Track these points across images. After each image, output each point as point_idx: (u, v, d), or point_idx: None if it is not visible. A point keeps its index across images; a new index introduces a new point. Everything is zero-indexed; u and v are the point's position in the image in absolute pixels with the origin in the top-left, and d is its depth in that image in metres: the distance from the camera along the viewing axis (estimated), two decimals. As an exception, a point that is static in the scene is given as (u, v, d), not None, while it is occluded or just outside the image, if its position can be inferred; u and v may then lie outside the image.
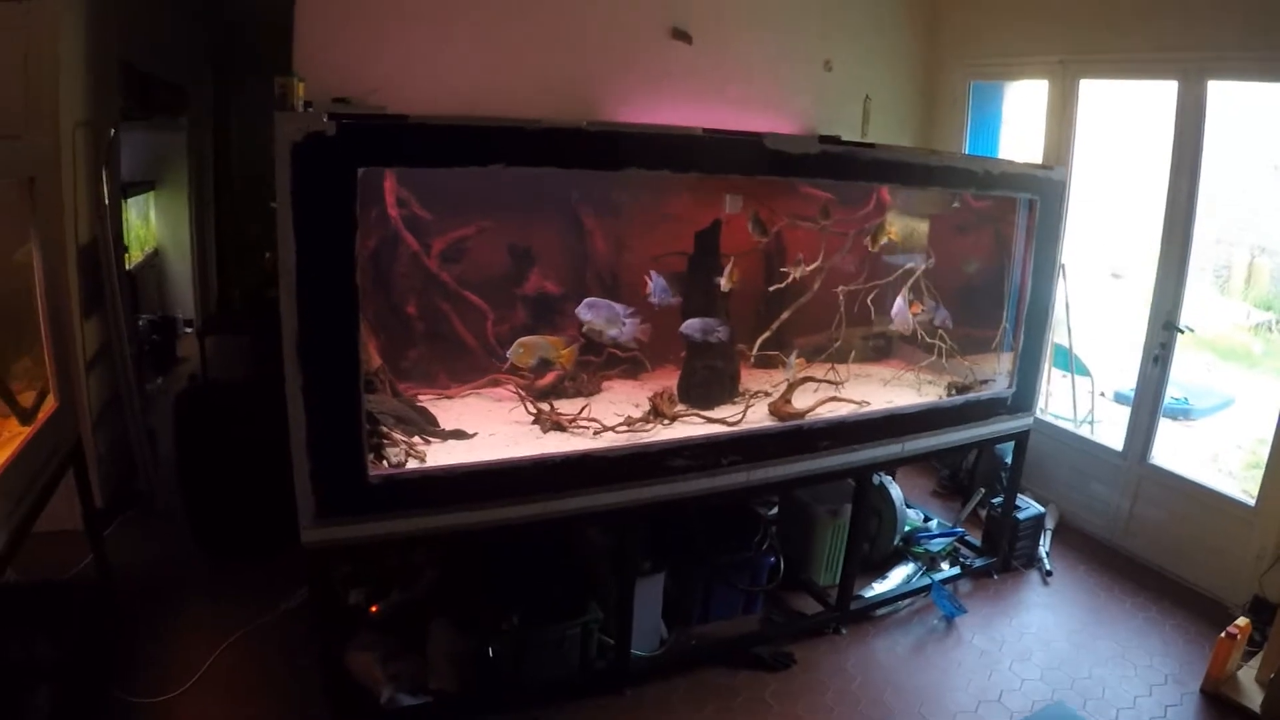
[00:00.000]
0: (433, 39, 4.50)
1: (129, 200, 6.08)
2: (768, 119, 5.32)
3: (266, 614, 3.94)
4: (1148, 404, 4.92)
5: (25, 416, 3.10)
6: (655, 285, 3.60)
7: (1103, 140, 5.45)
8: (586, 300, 3.52)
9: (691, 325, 3.76)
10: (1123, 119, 5.47)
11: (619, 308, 3.52)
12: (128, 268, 5.54)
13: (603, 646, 3.61)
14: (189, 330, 7.38)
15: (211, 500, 4.31)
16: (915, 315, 4.28)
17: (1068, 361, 5.77)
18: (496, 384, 3.76)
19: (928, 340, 4.40)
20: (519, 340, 3.43)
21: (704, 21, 5.13)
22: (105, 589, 3.89)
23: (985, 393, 4.35)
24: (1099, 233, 5.74)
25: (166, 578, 4.26)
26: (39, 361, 3.36)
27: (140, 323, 5.86)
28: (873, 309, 4.37)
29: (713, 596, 4.01)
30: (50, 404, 3.30)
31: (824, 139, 3.49)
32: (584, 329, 3.51)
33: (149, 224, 7.69)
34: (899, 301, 4.24)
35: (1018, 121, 5.88)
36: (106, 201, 4.64)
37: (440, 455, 3.17)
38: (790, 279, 4.03)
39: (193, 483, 4.34)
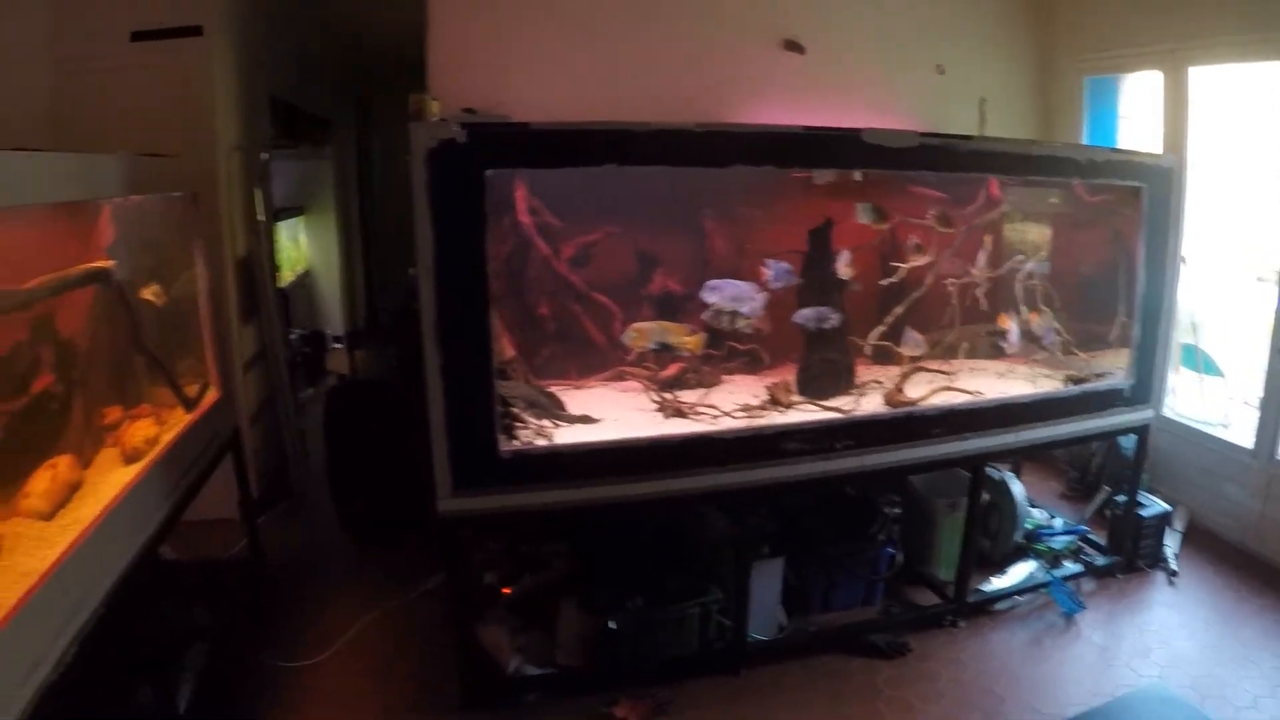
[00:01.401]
0: (554, 57, 4.74)
1: (280, 223, 6.55)
2: (882, 125, 5.36)
3: (403, 595, 4.21)
4: (1277, 401, 4.76)
5: (189, 404, 3.41)
6: (774, 269, 3.69)
7: (1239, 135, 5.28)
8: (709, 283, 3.62)
9: (805, 314, 3.83)
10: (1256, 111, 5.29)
11: (744, 284, 3.61)
12: (281, 285, 5.98)
13: (721, 628, 3.69)
14: (337, 345, 7.84)
15: (355, 490, 4.63)
16: (1034, 323, 4.26)
17: (1197, 360, 5.62)
18: (622, 376, 3.91)
19: (1043, 343, 4.37)
20: (633, 325, 3.58)
21: (815, 32, 5.23)
22: (257, 567, 4.27)
23: (1101, 384, 4.29)
24: (1242, 235, 5.50)
25: (313, 560, 4.62)
26: (201, 361, 3.71)
27: (292, 336, 6.27)
28: (986, 303, 4.35)
29: (834, 587, 4.04)
30: (212, 395, 3.63)
31: (924, 134, 3.55)
32: (709, 314, 3.62)
33: (299, 246, 8.18)
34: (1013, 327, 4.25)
35: (1136, 116, 5.76)
36: (260, 219, 5.02)
37: (567, 438, 3.35)
38: (907, 270, 4.05)
39: (338, 473, 4.66)
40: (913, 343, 4.00)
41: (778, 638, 3.85)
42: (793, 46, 5.21)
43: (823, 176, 3.81)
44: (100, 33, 4.55)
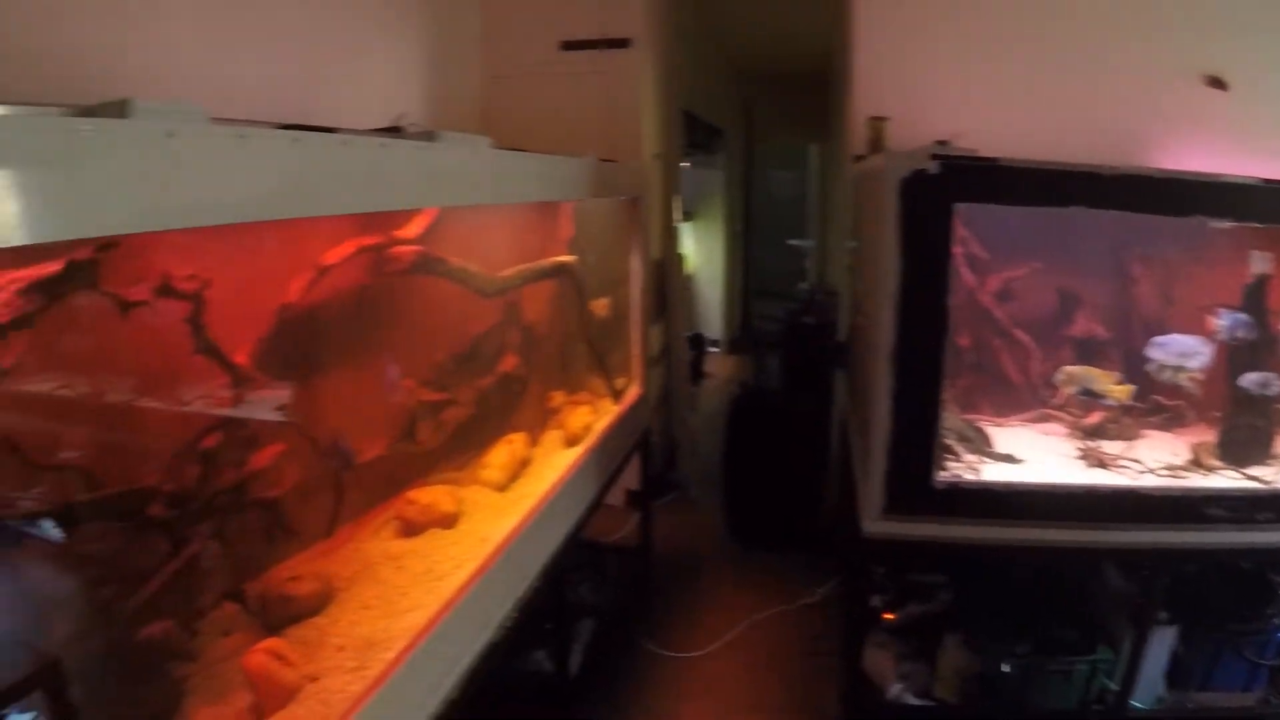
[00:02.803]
0: (973, 86, 4.55)
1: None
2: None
3: (788, 603, 4.18)
4: None
5: (618, 396, 3.57)
6: (1230, 320, 3.35)
7: None
8: (1155, 339, 3.38)
9: (1252, 379, 3.46)
10: None
11: (1190, 339, 3.35)
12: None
13: (1104, 690, 3.41)
14: (714, 349, 8.02)
15: (747, 495, 4.68)
16: None
17: None
18: (1046, 419, 3.73)
19: None
20: (1064, 368, 3.40)
21: (1240, 68, 4.69)
22: (643, 554, 4.38)
23: None
24: None
25: (698, 556, 4.70)
26: (625, 357, 3.88)
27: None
28: None
29: (1218, 665, 3.65)
30: (635, 390, 3.78)
31: None
32: (1153, 367, 3.38)
33: (685, 251, 8.44)
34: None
35: None
36: (676, 224, 5.19)
37: (990, 475, 3.23)
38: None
39: (732, 476, 4.73)
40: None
41: (1157, 709, 3.49)
42: (1215, 83, 4.70)
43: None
44: (529, 42, 4.87)
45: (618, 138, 4.79)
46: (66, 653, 1.56)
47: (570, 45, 4.86)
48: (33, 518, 1.58)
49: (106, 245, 1.50)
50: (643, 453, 4.07)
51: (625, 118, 4.88)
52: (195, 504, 1.80)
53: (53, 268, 1.49)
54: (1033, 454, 3.42)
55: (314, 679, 1.74)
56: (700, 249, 8.88)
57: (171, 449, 1.79)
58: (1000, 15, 4.42)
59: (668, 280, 5.14)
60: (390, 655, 1.82)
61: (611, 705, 3.47)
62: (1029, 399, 3.69)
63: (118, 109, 1.14)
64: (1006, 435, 3.60)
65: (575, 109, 4.84)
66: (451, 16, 4.57)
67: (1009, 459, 3.33)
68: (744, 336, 9.37)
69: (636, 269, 3.84)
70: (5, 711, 1.38)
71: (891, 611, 3.73)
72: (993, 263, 3.63)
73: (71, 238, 1.06)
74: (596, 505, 3.26)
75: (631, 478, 4.21)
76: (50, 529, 1.61)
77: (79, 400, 1.71)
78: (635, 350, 3.87)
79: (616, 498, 4.64)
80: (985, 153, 2.89)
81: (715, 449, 5.32)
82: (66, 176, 1.03)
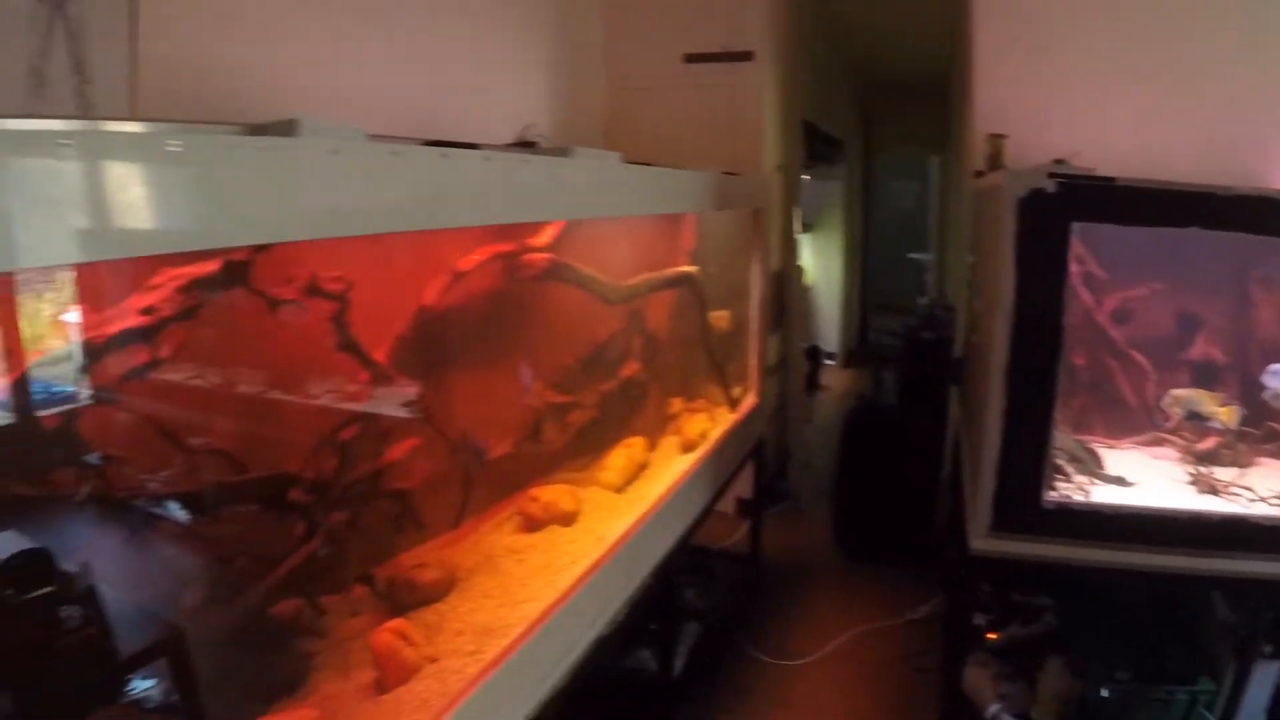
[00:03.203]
0: (1092, 104, 4.44)
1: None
2: None
3: (892, 617, 4.14)
4: None
5: (734, 405, 3.61)
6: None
7: None
8: (1272, 366, 3.28)
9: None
10: None
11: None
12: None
13: (1203, 722, 3.33)
14: (830, 362, 7.98)
15: (858, 507, 4.66)
16: None
17: None
18: (1159, 442, 3.64)
19: None
20: (1171, 391, 3.34)
21: None
22: (752, 561, 4.41)
23: None
24: None
25: (806, 566, 4.69)
26: (743, 366, 3.92)
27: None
28: None
29: None
30: (751, 399, 3.81)
31: None
32: (1269, 395, 3.27)
33: (804, 263, 8.40)
34: None
35: None
36: (795, 236, 5.20)
37: (1100, 497, 3.18)
38: None
39: (844, 488, 4.72)
40: None
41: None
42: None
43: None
44: (652, 56, 4.92)
45: (739, 149, 4.81)
46: (200, 624, 1.68)
47: (693, 58, 4.91)
48: (161, 499, 1.71)
49: (260, 247, 1.60)
50: (756, 461, 4.10)
51: (747, 130, 4.90)
52: (332, 491, 1.91)
53: (211, 267, 1.61)
54: (1144, 477, 3.36)
55: (433, 660, 1.83)
56: (819, 261, 8.83)
57: (311, 439, 1.91)
58: (1122, 34, 4.31)
59: (786, 291, 5.15)
60: (505, 642, 1.90)
61: (711, 707, 3.50)
62: (1143, 421, 3.62)
63: (287, 128, 1.23)
64: (1118, 457, 3.53)
65: (697, 121, 4.88)
66: (576, 31, 4.68)
67: (1120, 481, 3.27)
68: (860, 350, 9.28)
69: (756, 279, 3.87)
70: (131, 677, 1.48)
71: (995, 631, 3.70)
72: (1111, 282, 3.57)
73: (246, 244, 1.17)
74: (708, 511, 3.31)
75: (742, 486, 4.24)
76: (176, 511, 1.73)
77: (227, 390, 1.83)
78: (753, 360, 3.90)
79: (727, 505, 4.67)
80: (1103, 171, 2.87)
81: (827, 461, 5.32)
82: (241, 189, 1.13)
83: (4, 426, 1.69)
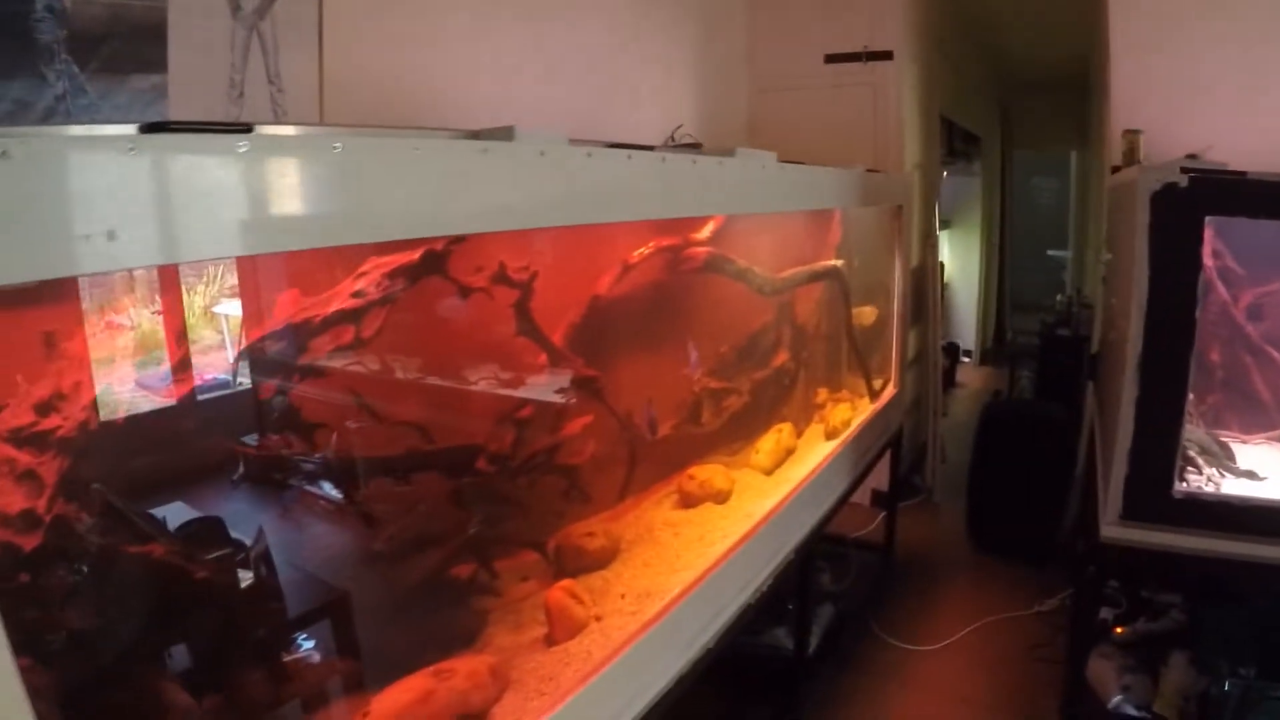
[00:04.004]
0: (1227, 100, 4.30)
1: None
2: None
3: (1019, 610, 4.13)
4: None
5: (874, 396, 3.66)
6: None
7: None
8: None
9: None
10: None
11: None
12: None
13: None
14: (966, 359, 7.89)
15: (991, 501, 4.64)
16: None
17: None
18: None
19: None
20: None
21: None
22: (886, 550, 4.48)
23: None
24: None
25: (937, 558, 4.70)
26: (884, 359, 3.96)
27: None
28: None
29: None
30: (890, 391, 3.86)
31: None
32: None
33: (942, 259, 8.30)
34: None
35: None
36: (935, 233, 5.19)
37: (1231, 490, 3.14)
38: None
39: (979, 482, 4.71)
40: None
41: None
42: None
43: None
44: (794, 56, 4.99)
45: (880, 147, 4.84)
46: (392, 578, 1.85)
47: (833, 58, 4.95)
48: (361, 466, 1.88)
49: (456, 239, 1.75)
50: (894, 451, 4.14)
51: (887, 128, 4.91)
52: (511, 464, 2.05)
53: (412, 256, 1.76)
54: (1276, 471, 3.31)
55: (599, 618, 1.97)
56: (956, 258, 8.71)
57: (493, 417, 2.06)
58: (1255, 31, 4.19)
59: (925, 286, 5.14)
60: (661, 604, 2.03)
61: (839, 686, 3.57)
62: (1276, 417, 3.58)
63: (505, 133, 1.38)
64: (1250, 452, 3.48)
65: (838, 120, 4.92)
66: (720, 34, 4.77)
67: (1251, 475, 3.23)
68: (997, 348, 9.12)
69: (898, 274, 3.91)
70: (295, 636, 1.63)
71: (1121, 625, 3.68)
72: (1247, 278, 3.54)
73: (472, 232, 1.32)
74: (848, 495, 3.38)
75: (878, 479, 4.30)
76: (330, 490, 1.90)
77: (420, 368, 2.00)
78: (894, 352, 3.94)
79: (862, 497, 4.72)
80: (1236, 166, 2.88)
81: (961, 456, 5.30)
82: (469, 185, 1.28)
83: (229, 395, 1.89)
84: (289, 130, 1.23)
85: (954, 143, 7.06)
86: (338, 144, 1.07)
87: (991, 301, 9.20)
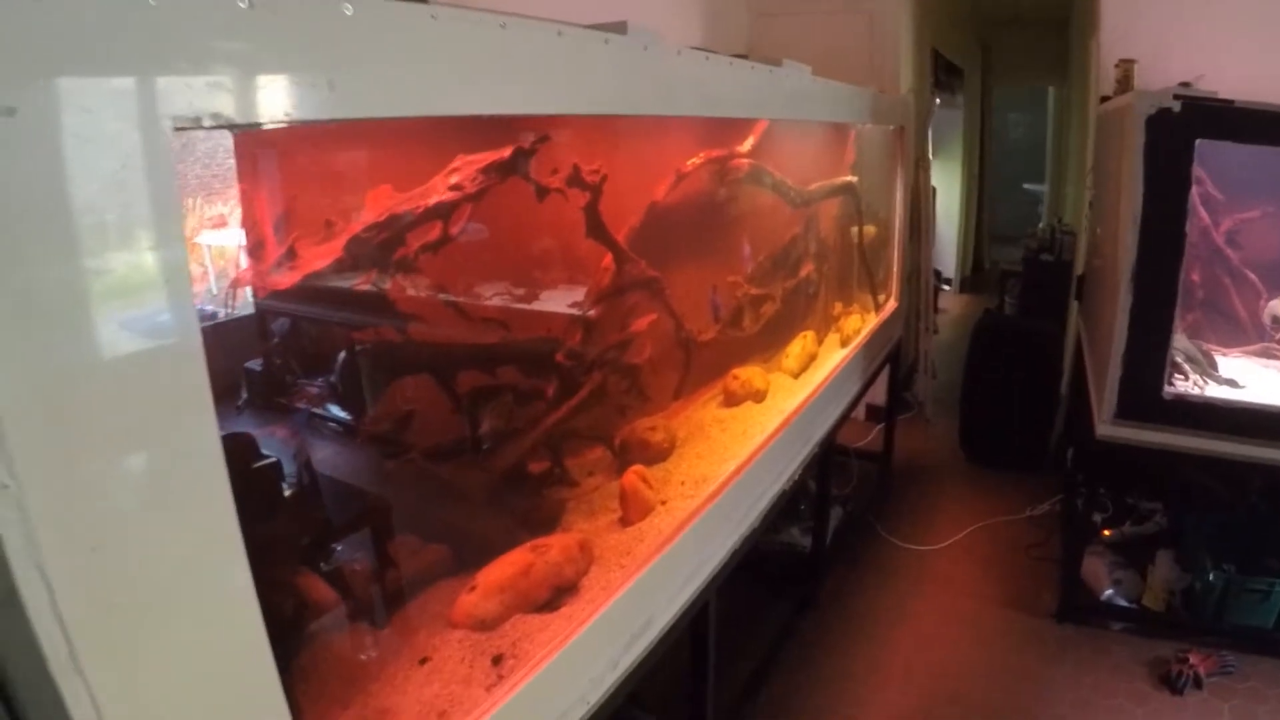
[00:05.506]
0: (1217, 31, 4.37)
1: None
2: None
3: (1012, 514, 4.33)
4: None
5: (878, 308, 3.78)
6: None
7: None
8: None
9: None
10: None
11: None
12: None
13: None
14: (946, 288, 8.03)
15: (982, 412, 4.80)
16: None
17: None
18: (1269, 354, 3.72)
19: None
20: (1271, 301, 3.58)
21: None
22: (885, 458, 4.66)
23: None
24: None
25: (931, 467, 4.90)
26: (885, 274, 4.06)
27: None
28: None
29: None
30: (892, 304, 3.97)
31: None
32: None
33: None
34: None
35: None
36: (930, 156, 5.27)
37: (1214, 394, 3.30)
38: None
39: (970, 394, 4.86)
40: None
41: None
42: None
43: None
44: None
45: (876, 73, 4.87)
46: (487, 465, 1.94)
47: (833, -14, 4.97)
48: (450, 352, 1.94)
49: (542, 138, 1.80)
50: (894, 361, 4.28)
51: (884, 54, 4.95)
52: (584, 359, 2.13)
53: (503, 153, 1.81)
54: (1254, 382, 3.50)
55: (664, 502, 2.09)
56: (939, 188, 8.77)
57: (565, 314, 2.13)
58: None
59: (919, 206, 5.23)
60: (714, 488, 2.17)
61: (850, 580, 3.75)
62: (1253, 334, 3.78)
63: (619, 28, 1.45)
64: (1230, 363, 3.68)
65: (836, 45, 4.88)
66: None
67: (1232, 383, 3.42)
68: (976, 277, 9.31)
69: (900, 192, 3.99)
70: (337, 543, 1.68)
71: (1109, 528, 3.90)
72: (1227, 204, 3.71)
73: (595, 113, 1.41)
74: (859, 398, 3.55)
75: (873, 394, 4.41)
76: (337, 412, 1.95)
77: (500, 264, 2.07)
78: (895, 267, 4.04)
79: (859, 413, 4.84)
80: (1225, 95, 2.99)
81: (948, 376, 5.51)
82: (594, 71, 1.37)
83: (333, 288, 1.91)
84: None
85: (939, 74, 7.09)
86: (503, 22, 1.13)
87: (971, 231, 9.32)
